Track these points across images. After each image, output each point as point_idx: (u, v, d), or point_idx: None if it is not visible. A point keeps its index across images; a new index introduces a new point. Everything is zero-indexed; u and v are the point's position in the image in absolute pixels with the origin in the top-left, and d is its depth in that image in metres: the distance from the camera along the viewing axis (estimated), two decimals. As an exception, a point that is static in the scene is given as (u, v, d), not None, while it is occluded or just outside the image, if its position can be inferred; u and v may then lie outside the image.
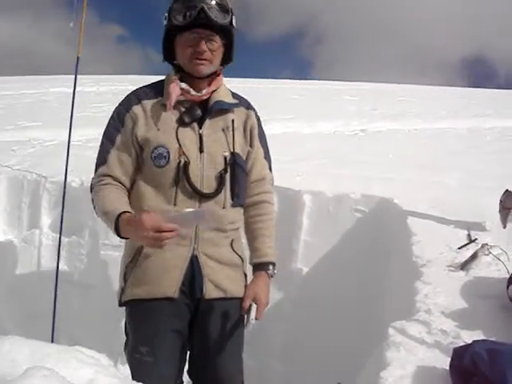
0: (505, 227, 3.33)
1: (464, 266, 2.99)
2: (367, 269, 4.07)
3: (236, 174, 2.33)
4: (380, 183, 4.75)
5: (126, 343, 2.41)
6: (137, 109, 2.30)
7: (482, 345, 1.91)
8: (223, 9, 2.25)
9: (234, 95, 2.48)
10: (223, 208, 2.32)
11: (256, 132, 2.47)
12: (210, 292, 2.32)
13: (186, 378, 2.58)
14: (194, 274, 2.30)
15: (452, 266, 3.04)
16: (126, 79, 13.39)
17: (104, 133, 2.37)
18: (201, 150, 2.27)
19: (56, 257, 4.55)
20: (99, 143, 2.38)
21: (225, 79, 2.45)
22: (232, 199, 2.34)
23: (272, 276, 2.45)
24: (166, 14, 2.28)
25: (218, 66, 2.36)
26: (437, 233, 3.59)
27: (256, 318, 2.31)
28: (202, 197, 2.26)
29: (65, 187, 4.59)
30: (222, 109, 2.37)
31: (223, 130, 2.35)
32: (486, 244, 3.12)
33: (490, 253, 3.07)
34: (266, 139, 2.54)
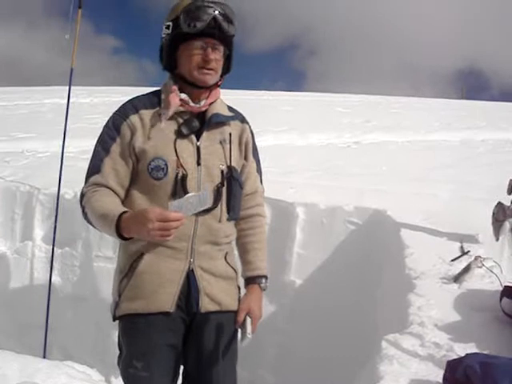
0: (497, 239, 3.35)
1: (457, 278, 3.00)
2: (360, 281, 4.08)
3: (232, 188, 2.32)
4: (373, 195, 4.76)
5: (119, 357, 2.39)
6: (134, 118, 2.25)
7: (474, 358, 1.91)
8: (229, 19, 2.25)
9: (230, 108, 2.48)
10: (219, 222, 2.31)
11: (250, 146, 2.46)
12: (206, 305, 2.31)
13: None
14: (190, 288, 2.29)
15: (445, 278, 3.05)
16: (120, 91, 13.40)
17: (98, 141, 2.31)
18: (198, 163, 2.26)
19: (49, 268, 4.54)
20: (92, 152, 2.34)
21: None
22: (228, 213, 2.33)
23: (264, 289, 2.44)
24: (170, 23, 2.26)
25: (219, 77, 2.35)
26: (430, 245, 3.60)
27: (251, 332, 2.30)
28: (199, 210, 2.25)
29: (58, 199, 4.59)
30: (219, 122, 2.36)
31: (220, 142, 2.33)
32: (479, 256, 3.13)
33: (483, 265, 3.07)
34: (258, 152, 2.54)
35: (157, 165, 2.21)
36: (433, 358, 2.22)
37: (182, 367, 2.43)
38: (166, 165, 2.20)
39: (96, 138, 2.31)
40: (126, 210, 2.12)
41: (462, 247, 3.50)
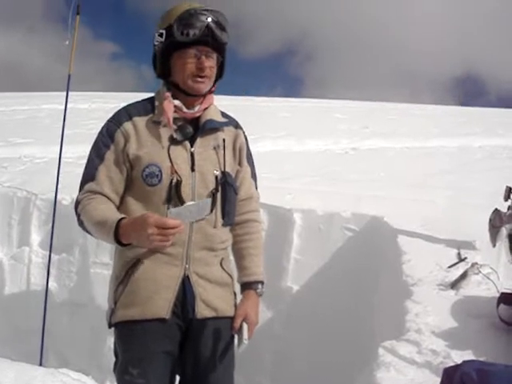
0: (494, 246, 3.35)
1: (454, 285, 3.00)
2: (358, 287, 4.08)
3: (227, 194, 2.33)
4: (370, 201, 4.76)
5: (115, 364, 2.38)
6: (128, 125, 2.26)
7: (471, 365, 1.91)
8: (222, 27, 2.26)
9: (223, 114, 2.48)
10: (214, 227, 2.31)
11: (245, 151, 2.47)
12: (202, 311, 2.31)
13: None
14: (185, 294, 2.29)
15: (442, 284, 3.05)
16: (118, 96, 13.38)
17: (92, 148, 2.32)
18: (192, 169, 2.27)
19: (45, 274, 4.53)
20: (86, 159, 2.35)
21: (215, 97, 2.45)
22: (223, 218, 2.33)
23: (261, 295, 2.44)
24: (163, 31, 2.26)
25: (212, 83, 2.36)
26: (427, 251, 3.61)
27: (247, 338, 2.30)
28: (194, 216, 2.25)
29: (55, 204, 4.58)
30: (213, 127, 2.36)
31: (214, 148, 2.34)
32: (476, 263, 3.14)
33: (480, 272, 3.08)
34: (252, 158, 2.55)
35: (151, 171, 2.21)
36: (430, 364, 2.22)
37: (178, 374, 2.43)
38: (160, 171, 2.21)
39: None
40: (123, 216, 2.13)
41: (459, 254, 3.50)
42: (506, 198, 3.29)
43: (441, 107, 15.90)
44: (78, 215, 2.25)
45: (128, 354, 2.30)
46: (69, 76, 4.72)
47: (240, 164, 2.45)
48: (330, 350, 4.02)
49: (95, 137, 2.33)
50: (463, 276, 3.04)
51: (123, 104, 2.38)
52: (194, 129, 2.30)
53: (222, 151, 2.35)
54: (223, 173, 2.32)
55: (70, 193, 4.73)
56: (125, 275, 2.28)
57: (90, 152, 2.32)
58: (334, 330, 4.07)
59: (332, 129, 9.84)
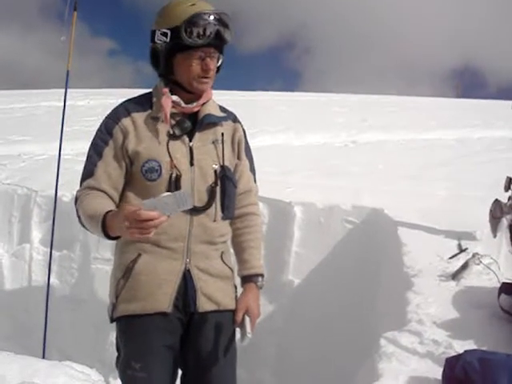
0: (495, 236, 3.35)
1: (455, 275, 3.00)
2: (359, 279, 4.08)
3: (226, 187, 2.33)
4: (370, 194, 4.77)
5: (117, 358, 2.39)
6: (126, 121, 2.26)
7: (473, 354, 1.92)
8: (229, 29, 2.26)
9: (221, 108, 2.48)
10: (214, 221, 2.31)
11: (243, 145, 2.47)
12: (204, 305, 2.31)
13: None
14: (186, 288, 2.29)
15: (443, 275, 3.05)
16: (116, 93, 13.36)
17: (91, 145, 2.32)
18: (191, 163, 2.27)
19: (47, 271, 4.54)
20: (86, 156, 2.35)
21: (214, 91, 2.45)
22: (222, 212, 2.34)
23: (261, 288, 2.44)
24: (167, 31, 2.24)
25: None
26: (427, 243, 3.61)
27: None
28: (194, 210, 2.25)
29: (55, 201, 4.59)
30: (211, 122, 2.36)
31: (213, 142, 2.34)
32: (477, 253, 3.14)
33: (481, 262, 3.08)
34: (251, 152, 2.55)
35: (150, 166, 2.21)
36: (431, 355, 2.23)
37: (180, 368, 2.43)
38: (159, 166, 2.21)
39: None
40: (111, 209, 2.10)
41: (459, 244, 3.50)
42: (507, 189, 3.29)
43: (440, 99, 15.90)
44: (77, 211, 2.25)
45: (130, 349, 2.31)
46: (67, 72, 4.72)
47: (239, 157, 2.45)
48: (331, 342, 4.02)
49: (94, 133, 2.34)
50: (464, 266, 3.04)
51: (122, 100, 2.38)
52: (192, 123, 2.31)
53: (221, 145, 2.35)
54: (222, 167, 2.32)
55: (70, 189, 4.73)
56: (126, 270, 2.28)
57: (89, 149, 2.32)
58: (336, 323, 4.07)
59: (331, 122, 9.84)
